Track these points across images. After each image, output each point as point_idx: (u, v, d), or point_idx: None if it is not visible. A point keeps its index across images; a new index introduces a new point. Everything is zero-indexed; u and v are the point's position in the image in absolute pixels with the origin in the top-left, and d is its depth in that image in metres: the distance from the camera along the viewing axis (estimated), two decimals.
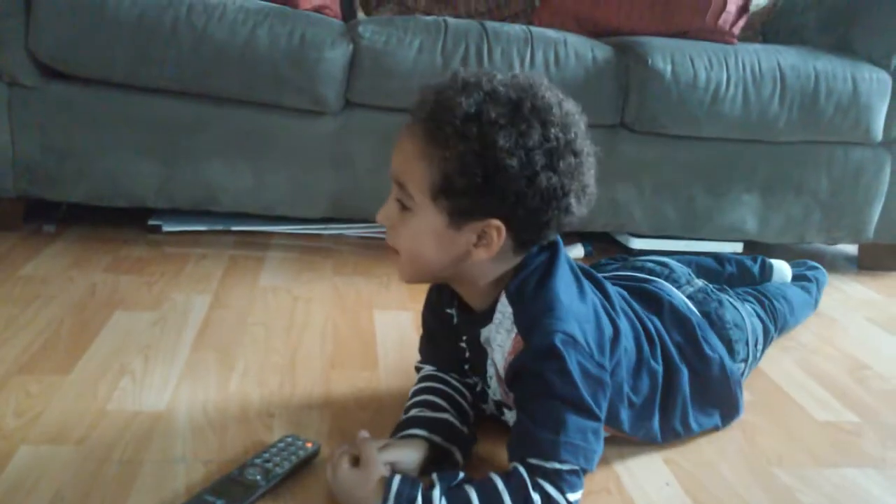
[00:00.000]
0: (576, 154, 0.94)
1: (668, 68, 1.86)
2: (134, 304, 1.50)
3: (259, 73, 1.73)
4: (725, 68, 1.89)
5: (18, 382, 1.17)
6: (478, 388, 1.14)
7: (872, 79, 1.97)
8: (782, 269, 1.72)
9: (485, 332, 1.03)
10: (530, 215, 0.94)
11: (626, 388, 1.06)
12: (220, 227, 1.94)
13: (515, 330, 0.98)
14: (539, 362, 0.94)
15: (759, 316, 1.41)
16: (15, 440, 1.03)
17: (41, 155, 1.75)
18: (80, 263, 1.67)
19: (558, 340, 0.93)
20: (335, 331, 1.47)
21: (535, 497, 0.90)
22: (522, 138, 0.90)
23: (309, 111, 1.79)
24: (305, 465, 1.02)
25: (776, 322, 1.48)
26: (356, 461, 0.96)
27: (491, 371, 1.06)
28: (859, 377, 1.49)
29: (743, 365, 1.31)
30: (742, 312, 1.35)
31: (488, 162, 0.90)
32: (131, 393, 1.18)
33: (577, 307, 1.00)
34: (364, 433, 1.00)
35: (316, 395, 1.23)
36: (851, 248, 2.33)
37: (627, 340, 1.07)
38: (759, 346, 1.38)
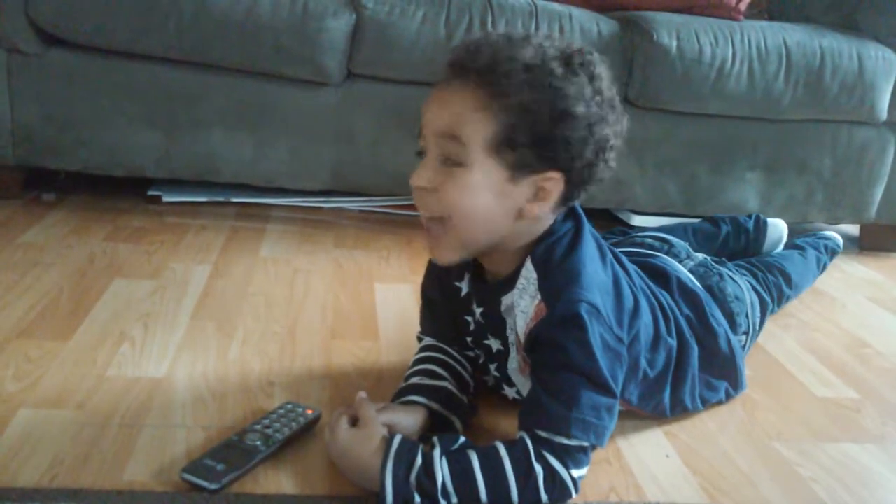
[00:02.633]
0: (615, 109, 0.95)
1: (674, 44, 1.84)
2: (133, 272, 1.49)
3: (260, 42, 1.71)
4: (731, 45, 1.88)
5: (18, 347, 1.17)
6: (480, 361, 1.13)
7: (878, 57, 1.96)
8: (777, 224, 1.72)
9: (506, 300, 1.01)
10: (585, 167, 0.93)
11: (643, 363, 1.06)
12: (220, 199, 1.93)
13: (539, 296, 0.96)
14: (560, 330, 0.93)
15: (754, 288, 1.41)
16: (14, 404, 1.02)
17: (41, 123, 1.73)
18: (80, 232, 1.66)
19: (583, 310, 0.92)
20: (336, 302, 1.47)
21: (538, 468, 0.90)
22: (582, 88, 0.91)
23: (310, 82, 1.78)
24: (306, 431, 1.01)
25: (771, 294, 1.49)
26: (355, 422, 0.96)
27: (511, 338, 1.04)
28: (859, 355, 1.49)
29: (744, 337, 1.32)
30: (741, 285, 1.35)
31: (557, 110, 0.90)
32: (131, 359, 1.17)
33: (600, 278, 0.99)
34: (362, 394, 1.00)
35: (316, 365, 1.22)
36: (853, 228, 2.32)
37: (646, 314, 1.06)
38: (758, 319, 1.38)
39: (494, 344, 1.08)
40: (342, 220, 1.96)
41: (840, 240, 1.82)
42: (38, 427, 0.98)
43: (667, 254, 1.36)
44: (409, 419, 1.00)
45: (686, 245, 1.43)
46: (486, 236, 0.97)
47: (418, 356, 1.13)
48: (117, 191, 1.91)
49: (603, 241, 1.06)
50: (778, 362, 1.41)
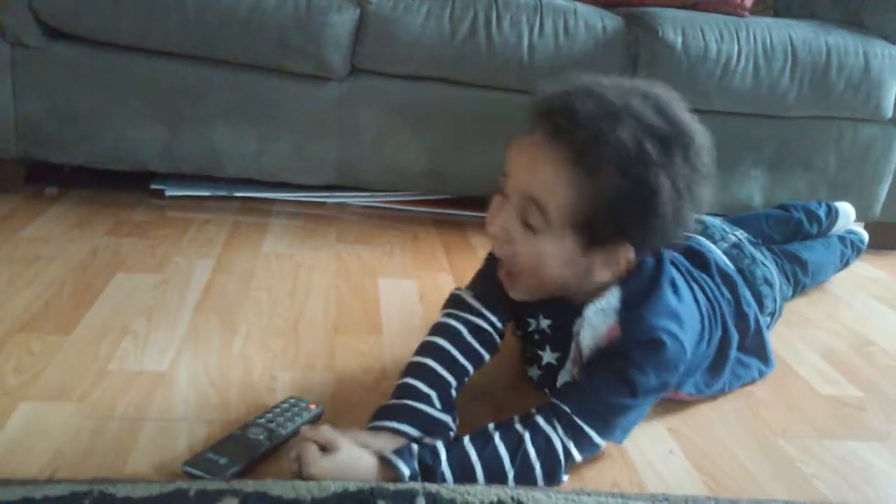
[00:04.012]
0: (703, 181, 0.94)
1: (679, 40, 1.84)
2: (136, 266, 1.49)
3: (264, 37, 1.71)
4: (736, 41, 1.87)
5: (20, 340, 1.16)
6: (527, 355, 1.16)
7: (884, 55, 1.95)
8: (847, 211, 1.77)
9: (578, 323, 1.01)
10: (661, 239, 0.95)
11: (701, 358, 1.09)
12: (223, 193, 1.93)
13: (616, 319, 0.98)
14: (636, 349, 0.95)
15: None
16: (16, 397, 1.02)
17: (44, 116, 1.73)
18: (82, 226, 1.66)
19: (661, 335, 0.94)
20: (339, 297, 1.46)
21: (526, 435, 0.94)
22: (674, 177, 0.90)
23: (314, 77, 1.77)
24: (309, 426, 1.01)
25: (788, 280, 1.51)
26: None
27: (572, 353, 1.04)
28: (864, 353, 1.48)
29: (769, 318, 1.36)
30: (771, 268, 1.37)
31: (646, 201, 0.89)
32: (133, 353, 1.17)
33: (681, 307, 1.00)
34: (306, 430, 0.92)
35: (319, 359, 1.22)
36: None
37: (712, 324, 1.09)
38: (782, 302, 1.42)
39: (548, 356, 1.10)
40: (345, 216, 1.96)
41: (865, 236, 1.81)
42: (39, 420, 0.98)
43: (702, 234, 1.36)
44: (380, 443, 0.93)
45: (721, 224, 1.43)
46: (554, 289, 1.01)
47: (417, 359, 1.05)
48: (120, 185, 1.91)
49: (676, 258, 1.09)
50: (782, 360, 1.40)
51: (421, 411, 0.97)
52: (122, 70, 1.73)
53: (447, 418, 0.99)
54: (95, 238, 1.60)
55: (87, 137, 1.76)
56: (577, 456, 0.95)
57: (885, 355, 1.49)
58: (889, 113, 2.00)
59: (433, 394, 1.00)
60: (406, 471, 0.88)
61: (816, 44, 1.92)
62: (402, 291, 1.52)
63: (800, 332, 1.54)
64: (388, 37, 1.75)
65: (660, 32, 1.84)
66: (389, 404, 0.99)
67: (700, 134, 0.93)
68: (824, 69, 1.91)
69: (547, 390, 1.13)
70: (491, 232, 0.97)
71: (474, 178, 1.92)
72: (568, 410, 0.95)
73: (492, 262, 1.09)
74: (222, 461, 0.90)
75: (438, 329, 1.09)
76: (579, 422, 0.95)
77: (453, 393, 1.03)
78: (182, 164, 1.82)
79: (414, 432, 0.94)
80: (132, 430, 0.98)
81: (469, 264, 1.66)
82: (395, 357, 1.25)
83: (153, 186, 1.91)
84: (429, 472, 0.89)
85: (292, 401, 1.04)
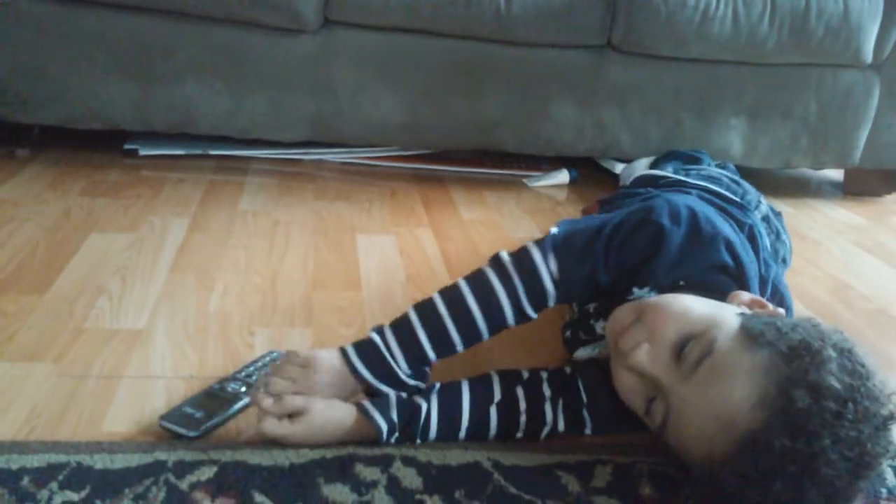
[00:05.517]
0: None
1: None
2: (110, 226, 1.46)
3: None
4: None
5: None
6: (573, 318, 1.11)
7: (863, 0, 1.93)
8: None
9: None
10: None
11: None
12: (197, 151, 1.90)
13: None
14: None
15: None
16: None
17: (11, 76, 1.69)
18: (55, 187, 1.63)
19: None
20: (317, 253, 1.45)
21: (546, 393, 0.96)
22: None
23: (286, 29, 1.73)
24: None
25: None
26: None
27: None
28: (843, 297, 1.49)
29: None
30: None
31: None
32: (109, 312, 1.15)
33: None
34: (269, 401, 0.87)
35: (298, 315, 1.21)
36: (837, 174, 2.32)
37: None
38: None
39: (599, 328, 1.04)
40: (323, 172, 1.93)
41: None
42: (14, 380, 0.96)
43: (742, 200, 1.23)
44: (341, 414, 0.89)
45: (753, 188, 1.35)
46: None
47: (455, 304, 0.94)
48: (93, 145, 1.87)
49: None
50: None
51: (393, 372, 0.91)
52: (90, 26, 1.68)
53: (416, 383, 0.94)
54: (68, 199, 1.57)
55: (56, 97, 1.72)
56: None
57: (864, 300, 1.49)
58: (869, 58, 1.99)
59: (428, 346, 0.92)
60: (384, 426, 0.87)
61: None
62: (381, 247, 1.51)
63: None
64: None
65: None
66: (368, 346, 0.92)
67: None
68: (803, 15, 1.89)
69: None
70: (630, 363, 0.83)
71: (453, 131, 1.90)
72: (584, 401, 0.95)
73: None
74: (198, 415, 0.89)
75: (485, 293, 0.94)
76: (585, 414, 0.95)
77: (457, 350, 0.95)
78: (154, 122, 1.78)
79: (374, 381, 0.90)
80: (109, 388, 0.97)
81: (449, 219, 1.64)
82: (374, 312, 1.24)
83: (126, 146, 1.88)
84: (413, 419, 0.89)
85: (274, 354, 1.04)
